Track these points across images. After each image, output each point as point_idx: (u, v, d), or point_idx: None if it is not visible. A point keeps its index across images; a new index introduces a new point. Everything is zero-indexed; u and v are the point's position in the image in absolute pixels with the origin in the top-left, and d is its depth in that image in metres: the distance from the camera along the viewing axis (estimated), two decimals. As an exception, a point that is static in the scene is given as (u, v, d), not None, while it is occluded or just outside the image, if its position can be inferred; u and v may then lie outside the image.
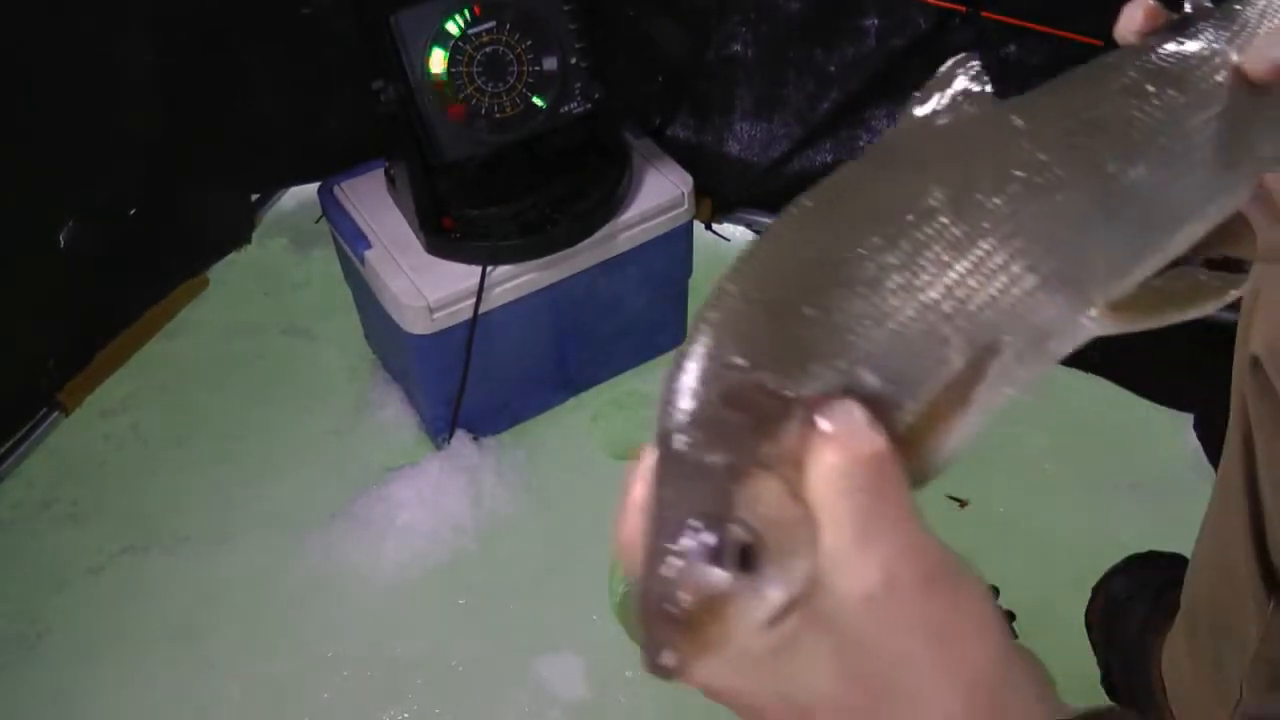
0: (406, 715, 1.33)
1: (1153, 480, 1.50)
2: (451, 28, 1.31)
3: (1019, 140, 0.49)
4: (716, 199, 1.69)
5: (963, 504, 1.47)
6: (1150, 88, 0.51)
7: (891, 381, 0.43)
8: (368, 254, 1.46)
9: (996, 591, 0.95)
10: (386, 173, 1.53)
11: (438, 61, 1.32)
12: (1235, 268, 0.59)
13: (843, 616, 0.39)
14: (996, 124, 0.50)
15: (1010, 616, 0.93)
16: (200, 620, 1.42)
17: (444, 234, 1.44)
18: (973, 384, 0.44)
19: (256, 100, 1.57)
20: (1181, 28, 0.55)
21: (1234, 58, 0.53)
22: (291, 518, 1.51)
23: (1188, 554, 1.03)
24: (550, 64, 1.36)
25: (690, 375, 0.42)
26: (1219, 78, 0.53)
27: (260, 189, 1.81)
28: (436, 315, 1.40)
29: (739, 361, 0.42)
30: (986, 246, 0.45)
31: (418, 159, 1.38)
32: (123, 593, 1.45)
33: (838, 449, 0.40)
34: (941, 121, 0.51)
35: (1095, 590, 1.30)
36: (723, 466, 0.40)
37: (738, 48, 1.55)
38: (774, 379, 0.41)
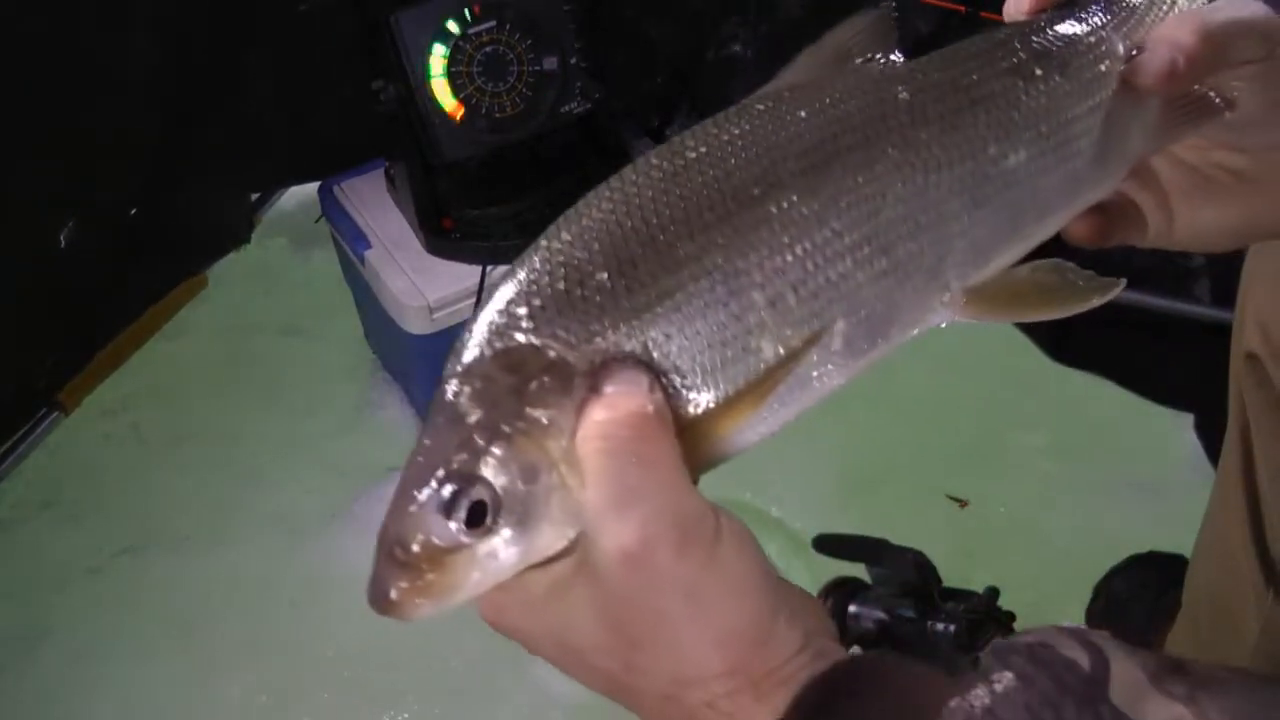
0: (406, 715, 1.33)
1: (1153, 480, 1.50)
2: (451, 28, 1.31)
3: (899, 115, 0.47)
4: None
5: (963, 504, 1.47)
6: (1038, 70, 0.51)
7: (690, 365, 0.43)
8: (368, 254, 1.46)
9: (996, 592, 0.95)
10: (386, 173, 1.53)
11: (438, 61, 1.32)
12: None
13: (604, 571, 0.41)
14: (880, 94, 0.48)
15: (1010, 617, 0.93)
16: (200, 620, 1.42)
17: (444, 234, 1.44)
18: (781, 377, 0.44)
19: (256, 100, 1.57)
20: (1071, 9, 0.54)
21: (1119, 49, 0.53)
22: (291, 518, 1.51)
23: (1188, 554, 1.03)
24: (550, 64, 1.36)
25: (478, 328, 0.43)
26: (1103, 67, 0.52)
27: (260, 189, 1.81)
28: (436, 315, 1.40)
29: (525, 323, 0.42)
30: (837, 227, 0.44)
31: (418, 159, 1.38)
32: (123, 593, 1.45)
33: (605, 410, 0.41)
34: (829, 80, 0.49)
35: (1095, 590, 1.30)
36: (482, 423, 0.41)
37: (738, 48, 1.55)
38: (558, 345, 0.42)
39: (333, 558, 1.47)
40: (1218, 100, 0.52)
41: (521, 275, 0.44)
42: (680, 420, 0.44)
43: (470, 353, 0.43)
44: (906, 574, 0.95)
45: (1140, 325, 1.49)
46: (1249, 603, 0.90)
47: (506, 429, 0.41)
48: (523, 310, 0.43)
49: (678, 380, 0.44)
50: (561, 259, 0.44)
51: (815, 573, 1.37)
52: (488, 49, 1.33)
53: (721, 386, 0.44)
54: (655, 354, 0.43)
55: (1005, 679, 0.39)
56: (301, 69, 1.57)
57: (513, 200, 1.44)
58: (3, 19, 1.24)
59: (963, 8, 1.38)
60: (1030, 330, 1.56)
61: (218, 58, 1.51)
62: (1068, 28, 0.53)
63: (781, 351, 0.44)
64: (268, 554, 1.48)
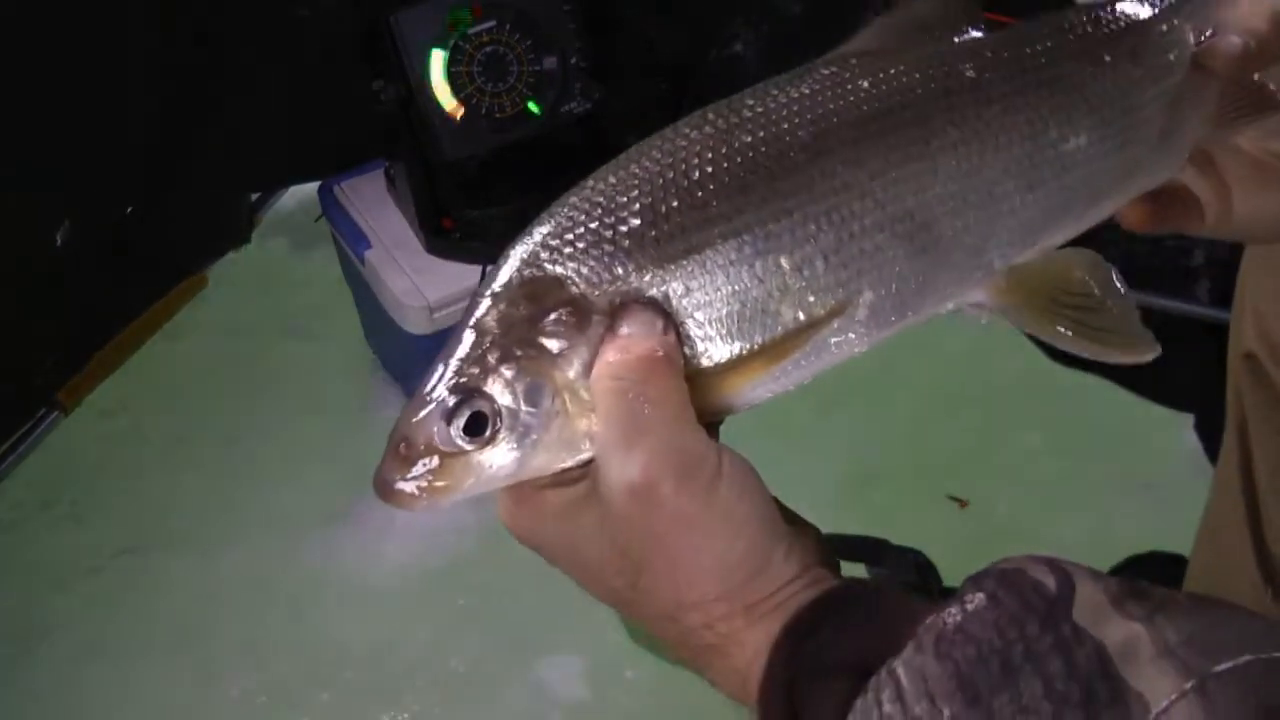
0: (406, 715, 1.33)
1: (1153, 480, 1.50)
2: (451, 28, 1.31)
3: (962, 92, 0.47)
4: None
5: (963, 504, 1.47)
6: (1107, 56, 0.50)
7: (709, 320, 0.45)
8: (368, 254, 1.46)
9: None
10: (386, 173, 1.53)
11: (438, 61, 1.31)
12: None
13: (611, 501, 0.45)
14: (945, 69, 0.48)
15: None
16: (200, 620, 1.42)
17: (444, 234, 1.44)
18: (798, 344, 0.45)
19: (256, 100, 1.57)
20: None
21: (1189, 38, 0.53)
22: (291, 518, 1.51)
23: (1188, 554, 1.04)
24: (550, 64, 1.36)
25: (514, 254, 0.46)
26: (1172, 56, 0.52)
27: (260, 189, 1.81)
28: (436, 315, 1.40)
29: (555, 255, 0.45)
30: (880, 199, 0.45)
31: (418, 159, 1.38)
32: (123, 593, 1.45)
33: (618, 352, 0.44)
34: (897, 50, 0.49)
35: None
36: (497, 343, 0.44)
37: (738, 48, 1.55)
38: (582, 282, 0.44)
39: (333, 558, 1.47)
40: (1275, 96, 0.53)
41: (561, 211, 0.46)
42: (692, 369, 0.46)
43: (501, 276, 0.46)
44: (906, 574, 0.95)
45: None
46: (1248, 602, 0.90)
47: (518, 352, 0.44)
48: (555, 243, 0.45)
49: (695, 331, 0.45)
50: (600, 200, 0.46)
51: (815, 573, 1.38)
52: (488, 49, 1.33)
53: (737, 344, 0.46)
54: (675, 304, 0.45)
55: (977, 599, 0.41)
56: (301, 69, 1.56)
57: (513, 200, 1.44)
58: (2, 19, 1.24)
59: (963, 8, 1.38)
60: (1030, 330, 1.56)
61: (218, 58, 1.51)
62: (1139, 12, 0.53)
63: (802, 317, 0.45)
64: (268, 554, 1.48)
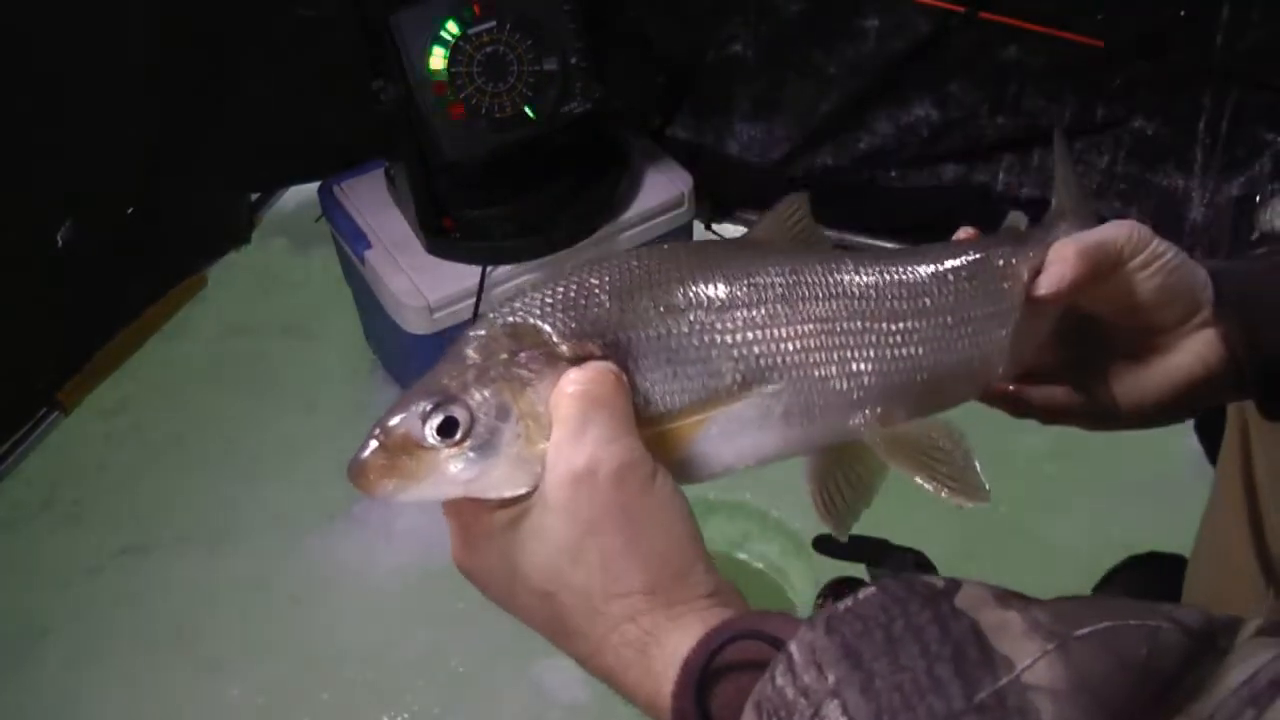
0: (406, 716, 1.33)
1: (1153, 480, 1.50)
2: (451, 28, 1.31)
3: (845, 288, 0.60)
4: (716, 199, 1.69)
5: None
6: (951, 278, 0.64)
7: (656, 381, 0.55)
8: (368, 254, 1.46)
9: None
10: (386, 173, 1.53)
11: (438, 61, 1.32)
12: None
13: (552, 491, 0.51)
14: (840, 265, 0.61)
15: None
16: (200, 620, 1.42)
17: (444, 234, 1.44)
18: (715, 408, 0.55)
19: (256, 100, 1.57)
20: (991, 238, 0.68)
21: (1022, 270, 0.66)
22: (291, 519, 1.51)
23: (1188, 554, 1.04)
24: (550, 64, 1.36)
25: (501, 306, 0.55)
26: (1005, 285, 0.66)
27: (260, 189, 1.81)
28: (436, 315, 1.40)
29: (536, 310, 0.54)
30: (804, 328, 0.58)
31: (418, 159, 1.38)
32: (123, 593, 1.45)
33: (578, 371, 0.52)
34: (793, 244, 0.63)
35: (1095, 591, 1.30)
36: (477, 366, 0.52)
37: (738, 48, 1.55)
38: (555, 333, 0.54)
39: (333, 558, 1.47)
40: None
41: (546, 284, 0.56)
42: (642, 420, 0.54)
43: (488, 319, 0.55)
44: (906, 574, 0.95)
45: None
46: (1249, 603, 0.90)
47: (493, 375, 0.52)
48: (537, 302, 0.55)
49: (644, 392, 0.55)
50: (577, 280, 0.56)
51: (815, 573, 1.37)
52: (488, 49, 1.33)
53: (678, 408, 0.56)
54: (631, 366, 0.54)
55: (867, 591, 0.46)
56: (302, 69, 1.57)
57: (513, 200, 1.44)
58: (2, 19, 1.24)
59: (962, 8, 1.38)
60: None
61: (218, 58, 1.51)
62: (983, 248, 0.67)
63: (736, 389, 0.56)
64: (268, 554, 1.48)
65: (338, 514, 1.51)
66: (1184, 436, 1.53)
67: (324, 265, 1.77)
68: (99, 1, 1.35)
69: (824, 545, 1.05)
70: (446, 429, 0.51)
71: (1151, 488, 1.49)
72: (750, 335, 0.57)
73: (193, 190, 1.59)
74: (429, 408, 0.51)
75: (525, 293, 0.55)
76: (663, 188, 1.53)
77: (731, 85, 1.58)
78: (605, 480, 0.50)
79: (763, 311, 0.57)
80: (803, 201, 0.64)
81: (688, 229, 1.58)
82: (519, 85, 1.35)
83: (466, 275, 1.41)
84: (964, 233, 0.70)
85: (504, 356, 0.53)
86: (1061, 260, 0.65)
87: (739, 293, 0.57)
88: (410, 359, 1.50)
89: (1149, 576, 1.27)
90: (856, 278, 0.61)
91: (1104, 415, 0.71)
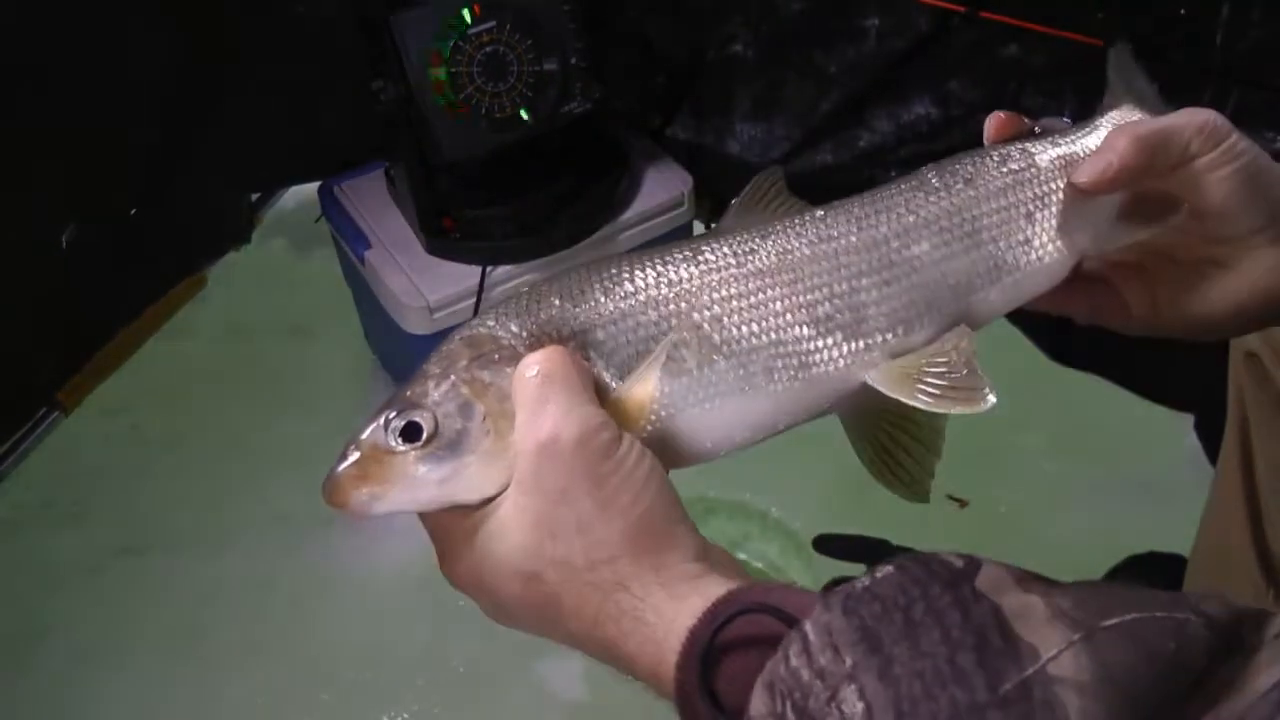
0: (406, 715, 1.33)
1: (1153, 480, 1.50)
2: (451, 28, 1.31)
3: (814, 225, 0.60)
4: (716, 199, 1.69)
5: (962, 504, 1.47)
6: (936, 182, 0.62)
7: (618, 364, 0.56)
8: (368, 254, 1.46)
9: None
10: (386, 173, 1.53)
11: (437, 61, 1.31)
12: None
13: (523, 465, 0.51)
14: (799, 216, 0.61)
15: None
16: (200, 621, 1.42)
17: (444, 234, 1.44)
18: (658, 364, 0.55)
19: (256, 100, 1.57)
20: (1027, 138, 0.65)
21: (1041, 160, 0.63)
22: (291, 518, 1.51)
23: (1188, 554, 1.04)
24: (550, 64, 1.36)
25: (462, 329, 0.57)
26: (1011, 178, 0.63)
27: (260, 189, 1.81)
28: (436, 315, 1.40)
29: (491, 321, 0.56)
30: (761, 297, 0.57)
31: (418, 159, 1.38)
32: (122, 593, 1.45)
33: (537, 355, 0.53)
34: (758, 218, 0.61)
35: (1096, 590, 1.30)
36: (438, 374, 0.54)
37: (738, 48, 1.55)
38: (511, 338, 0.55)
39: (333, 558, 1.47)
40: (1166, 203, 0.62)
41: (499, 304, 0.58)
42: (611, 404, 0.55)
43: (448, 340, 0.57)
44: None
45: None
46: (1249, 601, 0.90)
47: (454, 378, 0.54)
48: (491, 316, 0.57)
49: (612, 376, 0.56)
50: (528, 291, 0.58)
51: (815, 573, 1.38)
52: (488, 49, 1.33)
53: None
54: (591, 353, 0.56)
55: (885, 570, 0.45)
56: (302, 69, 1.57)
57: (513, 200, 1.44)
58: (4, 20, 1.24)
59: (962, 8, 1.38)
60: (1030, 330, 1.56)
61: (218, 58, 1.51)
62: (986, 151, 0.65)
63: (697, 364, 0.57)
64: (268, 554, 1.48)
65: (338, 514, 1.50)
66: (1184, 436, 1.53)
67: (324, 265, 1.77)
68: (100, 2, 1.35)
69: (824, 545, 1.05)
70: (410, 433, 0.53)
71: (1151, 488, 1.49)
72: (708, 299, 0.57)
73: (193, 190, 1.59)
74: (392, 415, 0.53)
75: (483, 310, 0.59)
76: (663, 188, 1.53)
77: (731, 85, 1.58)
78: (568, 447, 0.50)
79: (721, 274, 0.57)
80: (776, 177, 0.62)
81: (688, 229, 1.57)
82: (519, 85, 1.35)
83: (466, 275, 1.41)
84: (993, 120, 0.66)
85: (463, 362, 0.54)
86: (1109, 148, 0.60)
87: (697, 262, 0.58)
88: (410, 359, 1.50)
89: (1149, 576, 1.27)
90: (826, 221, 0.60)
91: (1157, 324, 0.66)
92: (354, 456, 0.54)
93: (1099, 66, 0.68)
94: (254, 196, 1.79)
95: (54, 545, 1.51)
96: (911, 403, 0.57)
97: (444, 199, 1.44)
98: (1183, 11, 1.31)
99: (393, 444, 0.53)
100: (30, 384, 1.52)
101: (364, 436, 0.54)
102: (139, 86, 1.44)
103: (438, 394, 0.54)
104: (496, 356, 0.54)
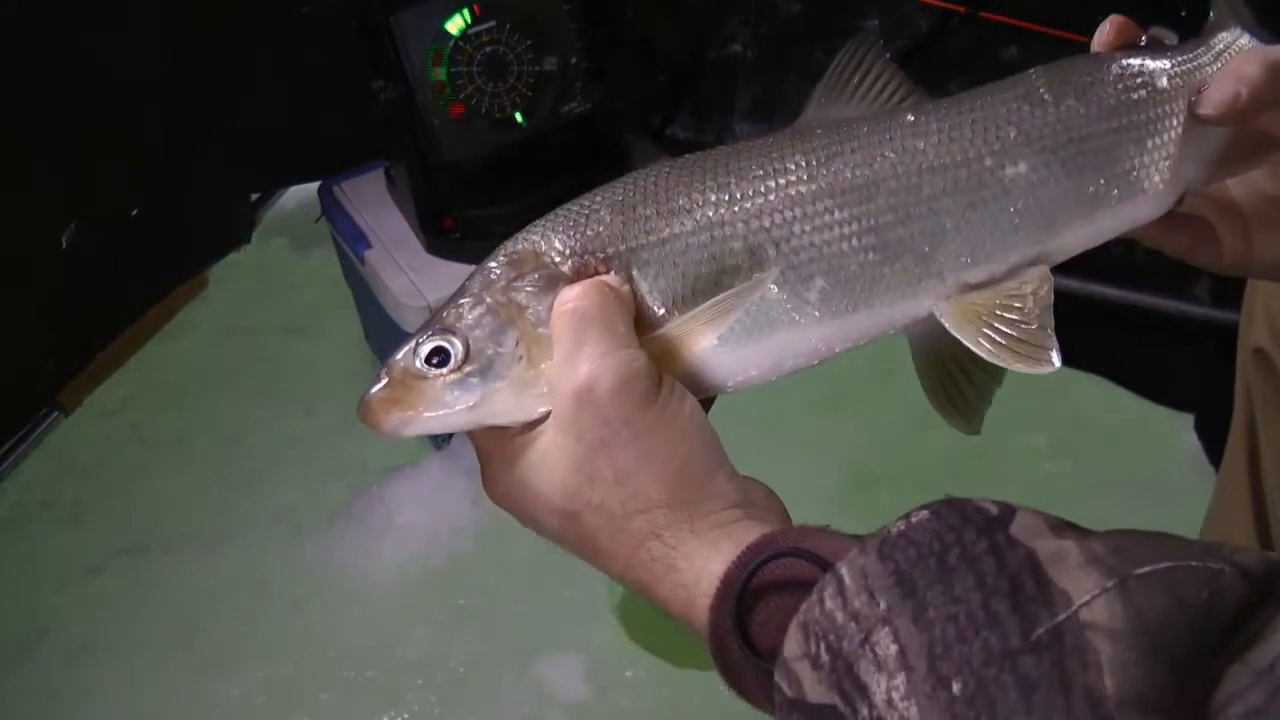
0: (406, 715, 1.33)
1: (1153, 480, 1.50)
2: (451, 28, 1.31)
3: (902, 127, 0.55)
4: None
5: (963, 504, 1.47)
6: (1045, 95, 0.56)
7: (668, 289, 0.53)
8: (368, 254, 1.46)
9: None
10: (386, 173, 1.53)
11: (437, 61, 1.31)
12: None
13: (560, 412, 0.51)
14: (888, 116, 0.56)
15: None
16: (200, 620, 1.42)
17: (444, 234, 1.44)
18: (738, 299, 0.52)
19: (256, 100, 1.57)
20: (1141, 52, 0.59)
21: (1161, 81, 0.57)
22: (291, 518, 1.51)
23: (1188, 554, 1.03)
24: (550, 64, 1.36)
25: (509, 242, 0.55)
26: (1135, 95, 0.57)
27: (260, 189, 1.81)
28: (436, 315, 1.40)
29: (535, 235, 0.54)
30: (829, 204, 0.53)
31: (418, 159, 1.38)
32: (122, 593, 1.45)
33: (577, 288, 0.52)
34: (841, 116, 0.56)
35: (1095, 590, 1.30)
36: (474, 295, 0.53)
37: (738, 48, 1.55)
38: (555, 255, 0.53)
39: (333, 558, 1.47)
40: (1267, 139, 0.57)
41: (547, 215, 0.55)
42: (654, 328, 0.53)
43: (494, 253, 0.55)
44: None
45: (1140, 325, 1.49)
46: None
47: (489, 300, 0.53)
48: (537, 230, 0.55)
49: (655, 299, 0.53)
50: (577, 206, 0.55)
51: (815, 573, 1.37)
52: (488, 49, 1.33)
53: (688, 304, 0.53)
54: (637, 274, 0.53)
55: (921, 514, 0.44)
56: (302, 69, 1.57)
57: (513, 200, 1.44)
58: (3, 20, 1.24)
59: (962, 8, 1.39)
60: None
61: (218, 58, 1.51)
62: (1100, 61, 0.59)
63: (752, 272, 0.53)
64: (268, 554, 1.48)
65: (338, 514, 1.51)
66: (1184, 436, 1.53)
67: (324, 265, 1.77)
68: (100, 3, 1.35)
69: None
70: (440, 357, 0.52)
71: (1151, 488, 1.49)
72: (765, 218, 0.53)
73: (193, 191, 1.59)
74: (422, 339, 0.52)
75: (531, 223, 0.55)
76: (663, 188, 1.53)
77: (731, 85, 1.58)
78: (606, 395, 0.49)
79: (781, 190, 0.53)
80: (873, 43, 0.57)
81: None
82: (519, 85, 1.35)
83: (466, 275, 1.41)
84: (1110, 24, 0.60)
85: (501, 283, 0.53)
86: (1236, 76, 0.55)
87: (754, 176, 0.53)
88: (410, 359, 1.50)
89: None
90: (915, 128, 0.55)
91: (1250, 263, 0.63)
92: (387, 379, 0.53)
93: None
94: (254, 196, 1.79)
95: (54, 545, 1.51)
96: (973, 348, 0.53)
97: (444, 199, 1.44)
98: (1183, 14, 1.31)
99: (422, 368, 0.52)
100: (31, 384, 1.52)
101: (396, 360, 0.53)
102: (140, 87, 1.43)
103: (471, 317, 0.53)
104: (536, 277, 0.53)
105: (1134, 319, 1.46)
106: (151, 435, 1.63)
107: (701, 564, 0.49)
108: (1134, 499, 1.48)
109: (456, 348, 0.52)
